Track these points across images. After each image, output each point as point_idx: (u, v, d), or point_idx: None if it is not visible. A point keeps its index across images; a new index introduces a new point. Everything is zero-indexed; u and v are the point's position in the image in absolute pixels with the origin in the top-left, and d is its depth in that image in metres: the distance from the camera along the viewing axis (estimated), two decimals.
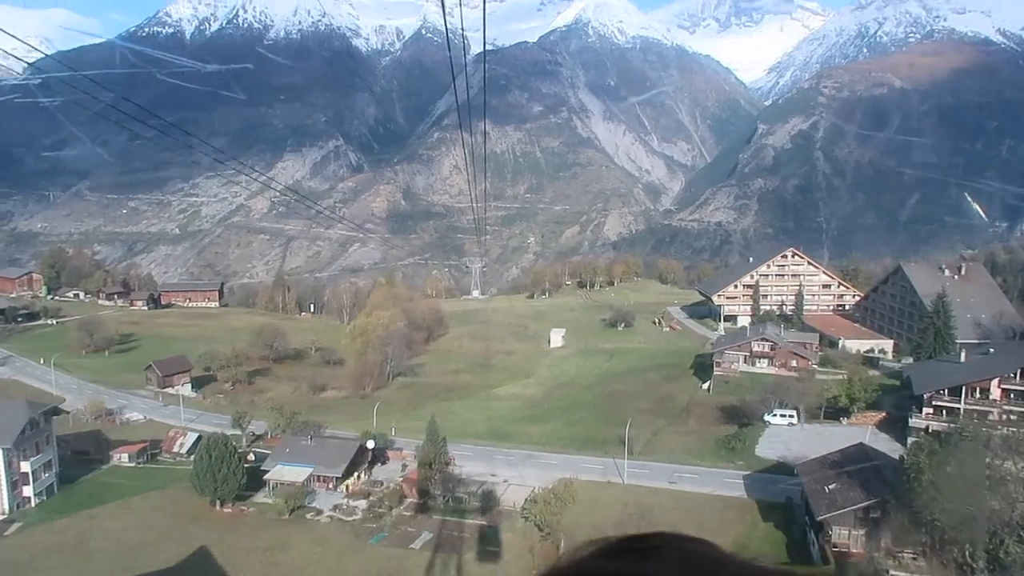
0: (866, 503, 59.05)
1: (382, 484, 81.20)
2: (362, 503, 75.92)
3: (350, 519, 72.45)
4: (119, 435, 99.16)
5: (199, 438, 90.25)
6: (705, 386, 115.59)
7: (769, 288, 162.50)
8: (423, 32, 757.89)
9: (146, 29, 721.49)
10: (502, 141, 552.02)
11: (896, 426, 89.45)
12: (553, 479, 71.71)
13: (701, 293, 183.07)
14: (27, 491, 75.19)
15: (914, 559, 55.68)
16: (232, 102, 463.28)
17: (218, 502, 74.20)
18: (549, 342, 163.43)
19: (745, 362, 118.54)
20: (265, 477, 79.40)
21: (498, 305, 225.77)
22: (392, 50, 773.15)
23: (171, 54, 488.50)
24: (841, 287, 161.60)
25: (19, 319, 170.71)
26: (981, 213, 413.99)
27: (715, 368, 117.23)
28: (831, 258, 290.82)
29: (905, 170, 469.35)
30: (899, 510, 56.11)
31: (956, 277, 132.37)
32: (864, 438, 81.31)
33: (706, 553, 2.18)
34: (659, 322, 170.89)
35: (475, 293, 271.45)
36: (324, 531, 69.62)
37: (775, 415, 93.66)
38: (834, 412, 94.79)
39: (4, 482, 73.18)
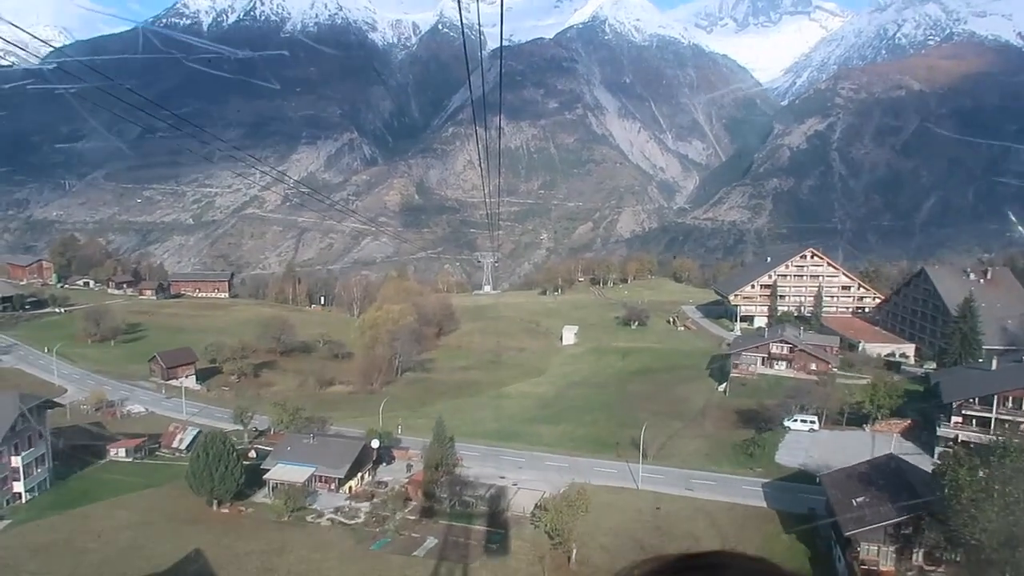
0: (898, 519, 55.46)
1: (386, 485, 78.48)
2: (365, 506, 73.07)
3: (352, 523, 69.55)
4: (119, 428, 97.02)
5: (199, 433, 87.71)
6: (721, 388, 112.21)
7: (787, 289, 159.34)
8: (439, 27, 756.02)
9: (164, 20, 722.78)
10: (516, 137, 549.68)
11: (922, 434, 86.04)
12: (564, 483, 68.76)
13: (717, 292, 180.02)
14: (18, 487, 72.68)
15: None
16: (249, 92, 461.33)
17: (215, 502, 71.58)
18: (561, 339, 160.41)
19: (763, 364, 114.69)
20: (265, 477, 76.66)
21: (510, 301, 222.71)
22: (408, 44, 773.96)
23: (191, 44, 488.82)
24: (861, 289, 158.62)
25: (27, 307, 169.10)
26: (1009, 217, 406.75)
27: (732, 370, 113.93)
28: (846, 259, 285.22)
29: (922, 172, 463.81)
30: (933, 527, 52.77)
31: (982, 281, 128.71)
32: (889, 446, 78.02)
33: (768, 572, 2.10)
34: (674, 321, 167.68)
35: (487, 288, 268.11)
36: (324, 535, 66.80)
37: (795, 420, 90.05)
38: (856, 418, 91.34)
39: None
